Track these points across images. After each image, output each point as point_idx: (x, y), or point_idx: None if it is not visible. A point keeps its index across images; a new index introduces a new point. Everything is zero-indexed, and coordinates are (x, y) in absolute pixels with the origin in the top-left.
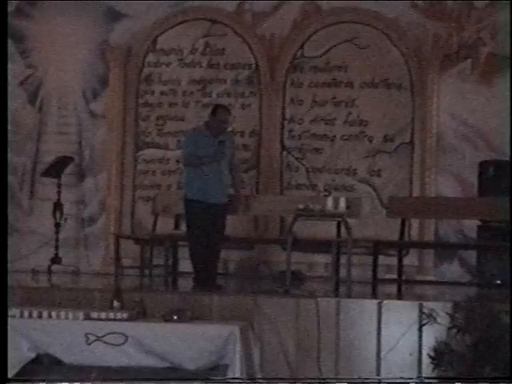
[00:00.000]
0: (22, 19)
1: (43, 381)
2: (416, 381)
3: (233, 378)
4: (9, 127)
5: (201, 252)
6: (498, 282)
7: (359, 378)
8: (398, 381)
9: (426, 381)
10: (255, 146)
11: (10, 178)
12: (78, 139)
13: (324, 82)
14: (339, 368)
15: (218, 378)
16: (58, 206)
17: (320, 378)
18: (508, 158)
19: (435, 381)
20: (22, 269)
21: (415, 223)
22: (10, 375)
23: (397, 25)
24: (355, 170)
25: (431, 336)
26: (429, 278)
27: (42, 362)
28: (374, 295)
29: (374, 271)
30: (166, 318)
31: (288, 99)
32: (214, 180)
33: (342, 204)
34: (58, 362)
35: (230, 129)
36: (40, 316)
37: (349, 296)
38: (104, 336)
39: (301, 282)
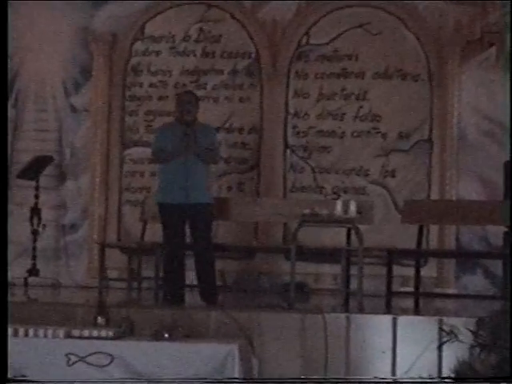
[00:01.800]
0: None
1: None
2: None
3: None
4: None
5: (167, 261)
6: None
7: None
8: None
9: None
10: (255, 143)
11: None
12: (57, 137)
13: (332, 72)
14: None
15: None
16: (35, 211)
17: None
18: None
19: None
20: None
21: (434, 230)
22: None
23: (413, 9)
24: (367, 170)
25: (452, 355)
26: (449, 290)
27: None
28: (389, 310)
29: (389, 283)
30: (157, 336)
31: (292, 92)
32: (181, 177)
33: (353, 208)
34: None
35: (227, 124)
36: (16, 334)
37: (360, 311)
38: (87, 356)
39: (306, 296)
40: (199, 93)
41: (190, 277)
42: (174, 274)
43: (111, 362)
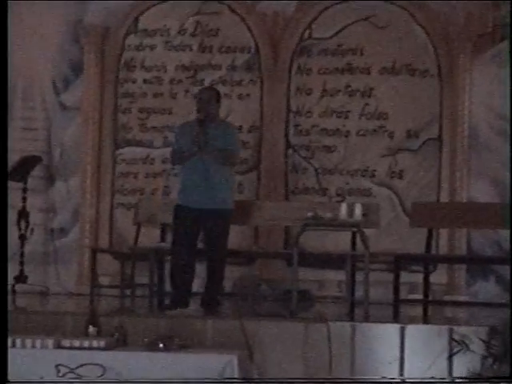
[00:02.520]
0: None
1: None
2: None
3: (232, 379)
4: None
5: (176, 268)
6: None
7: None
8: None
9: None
10: (255, 143)
11: None
12: (46, 136)
13: (336, 67)
14: None
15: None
16: (23, 214)
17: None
18: None
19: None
20: None
21: (444, 234)
22: None
23: (421, 0)
24: (373, 171)
25: (463, 366)
26: (460, 298)
27: None
28: (396, 319)
29: (396, 290)
30: (151, 347)
31: (294, 88)
32: (199, 180)
33: (358, 211)
34: None
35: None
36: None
37: (366, 320)
38: (78, 367)
39: (309, 304)
40: (195, 89)
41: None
42: (180, 280)
43: (103, 373)
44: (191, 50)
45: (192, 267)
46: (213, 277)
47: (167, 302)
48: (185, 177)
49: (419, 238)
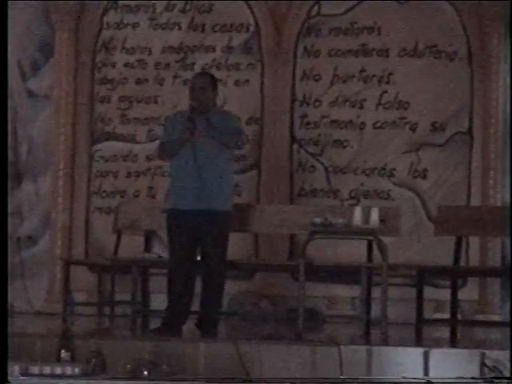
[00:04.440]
0: None
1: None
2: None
3: (231, 379)
4: None
5: (175, 284)
6: None
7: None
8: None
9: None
10: (255, 137)
11: None
12: (11, 128)
13: (349, 49)
14: None
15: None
16: None
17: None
18: None
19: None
20: None
21: (475, 243)
22: None
23: None
24: (392, 169)
25: None
26: (493, 317)
27: None
28: (419, 341)
29: (419, 309)
30: (134, 374)
31: (300, 73)
32: (189, 179)
33: (375, 216)
34: None
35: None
36: None
37: (384, 343)
38: None
39: (318, 324)
40: (185, 75)
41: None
42: (177, 299)
43: None
44: (180, 28)
45: (192, 284)
46: (210, 292)
47: (155, 324)
48: (175, 177)
49: (446, 248)
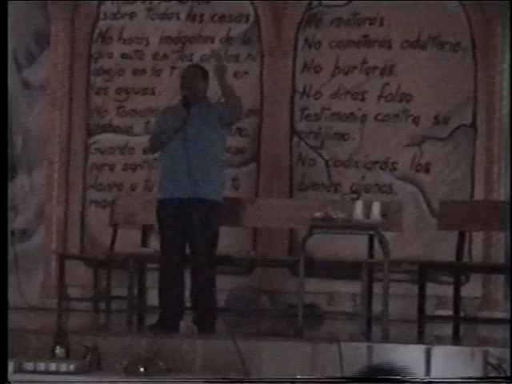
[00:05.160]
0: None
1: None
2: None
3: (232, 379)
4: None
5: (162, 276)
6: None
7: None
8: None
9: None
10: (254, 129)
11: None
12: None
13: (351, 40)
14: None
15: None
16: None
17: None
18: None
19: None
20: None
21: (478, 238)
22: None
23: None
24: (394, 163)
25: None
26: (497, 314)
27: None
28: (421, 339)
29: (421, 305)
30: (130, 371)
31: (300, 64)
32: (178, 167)
33: (376, 211)
34: None
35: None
36: None
37: (385, 340)
38: None
39: (318, 321)
40: (183, 66)
41: None
42: (171, 293)
43: None
44: (178, 18)
45: (182, 276)
46: (200, 285)
47: (151, 319)
48: (165, 165)
49: (449, 243)
